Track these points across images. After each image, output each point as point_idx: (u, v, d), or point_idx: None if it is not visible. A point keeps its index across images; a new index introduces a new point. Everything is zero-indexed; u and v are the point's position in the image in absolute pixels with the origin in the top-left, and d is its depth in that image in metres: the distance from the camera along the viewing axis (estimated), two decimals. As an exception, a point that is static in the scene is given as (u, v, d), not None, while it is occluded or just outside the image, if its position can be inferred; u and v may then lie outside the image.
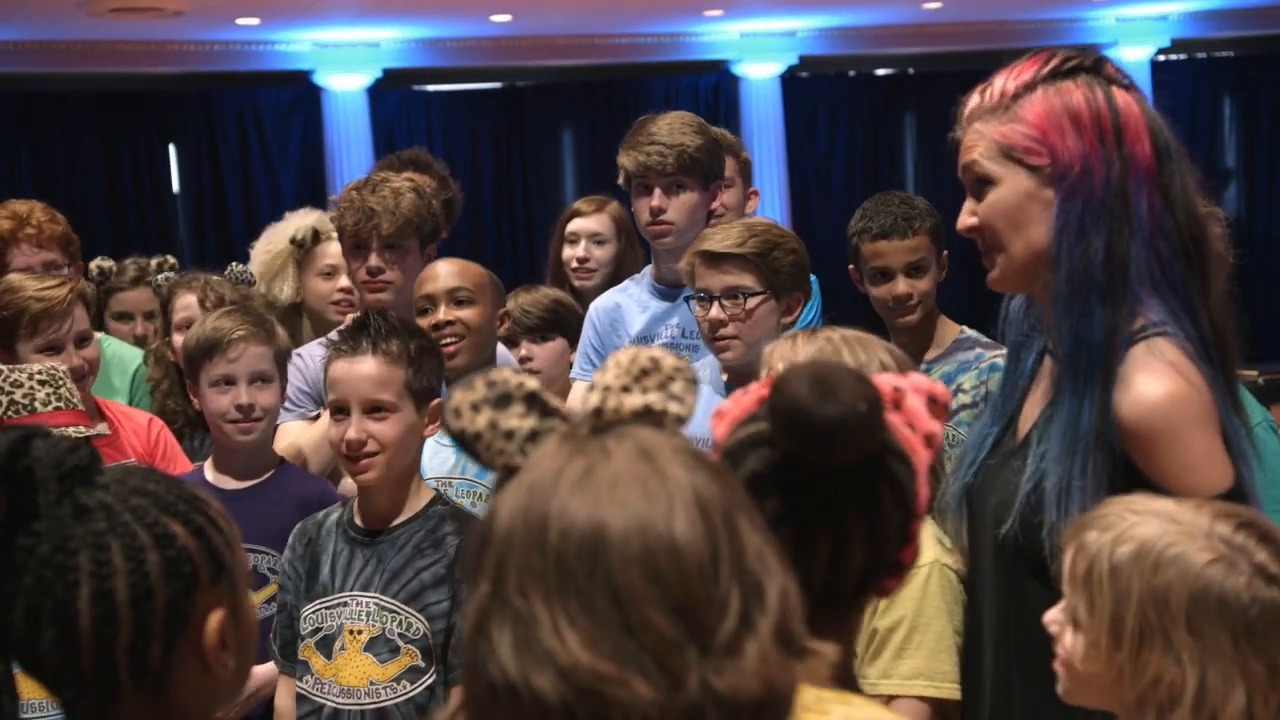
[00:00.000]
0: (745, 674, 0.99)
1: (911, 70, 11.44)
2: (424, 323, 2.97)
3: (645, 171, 3.20)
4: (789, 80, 10.98)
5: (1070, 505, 1.69)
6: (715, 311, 2.76)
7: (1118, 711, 1.49)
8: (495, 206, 10.75)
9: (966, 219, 1.87)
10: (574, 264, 3.96)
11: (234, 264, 3.86)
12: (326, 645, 2.48)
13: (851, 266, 3.23)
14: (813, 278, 3.45)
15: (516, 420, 1.09)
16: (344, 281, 3.54)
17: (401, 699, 2.41)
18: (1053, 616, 1.53)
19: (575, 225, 4.00)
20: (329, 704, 2.45)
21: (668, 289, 3.29)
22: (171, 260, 4.11)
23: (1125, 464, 1.72)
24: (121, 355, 3.75)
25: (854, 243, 3.20)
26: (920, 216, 3.13)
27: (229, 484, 2.89)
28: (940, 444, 1.32)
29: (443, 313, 3.00)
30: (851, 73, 11.38)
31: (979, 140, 1.83)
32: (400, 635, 2.42)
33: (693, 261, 2.81)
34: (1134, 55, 10.90)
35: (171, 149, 10.23)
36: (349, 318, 3.54)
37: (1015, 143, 1.80)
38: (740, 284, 2.76)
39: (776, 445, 1.26)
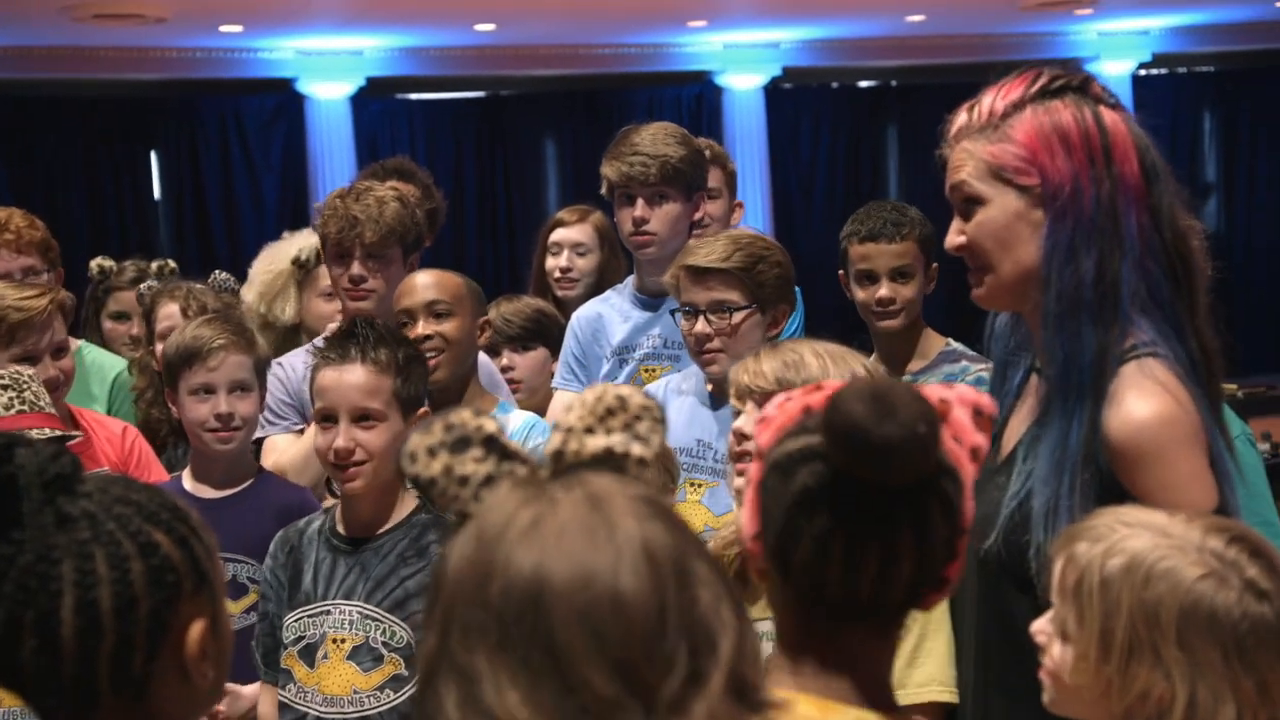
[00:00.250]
0: None
1: (894, 82, 11.47)
2: None
3: (628, 182, 3.20)
4: (772, 91, 11.00)
5: (1057, 524, 1.69)
6: (701, 326, 2.77)
7: None
8: (478, 215, 10.74)
9: (955, 238, 1.87)
10: (557, 274, 3.96)
11: (217, 272, 3.87)
12: (309, 654, 2.47)
13: (841, 272, 3.24)
14: (796, 289, 3.46)
15: (472, 465, 1.08)
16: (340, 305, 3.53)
17: (385, 708, 2.41)
18: (1040, 627, 1.53)
19: (558, 235, 4.00)
20: (312, 712, 2.45)
21: (650, 299, 3.30)
22: (172, 264, 4.13)
23: (1112, 483, 1.72)
24: (101, 363, 3.73)
25: (843, 246, 3.21)
26: (910, 224, 3.15)
27: (207, 493, 2.88)
28: (985, 457, 1.31)
29: (421, 327, 2.99)
30: (834, 84, 11.41)
31: (967, 160, 1.83)
32: (384, 644, 2.42)
33: (678, 275, 2.81)
34: (1115, 69, 10.96)
35: (153, 155, 10.19)
36: (330, 327, 3.54)
37: (1005, 163, 1.80)
38: (726, 299, 2.77)
39: (830, 461, 1.25)
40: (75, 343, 3.67)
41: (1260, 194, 11.77)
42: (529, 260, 4.25)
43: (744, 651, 1.02)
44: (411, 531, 2.49)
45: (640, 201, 3.19)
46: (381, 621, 2.43)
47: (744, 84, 10.90)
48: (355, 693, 2.42)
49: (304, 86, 10.15)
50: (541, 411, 3.27)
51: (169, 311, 3.53)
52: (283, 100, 10.27)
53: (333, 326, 3.54)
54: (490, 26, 9.62)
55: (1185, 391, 1.73)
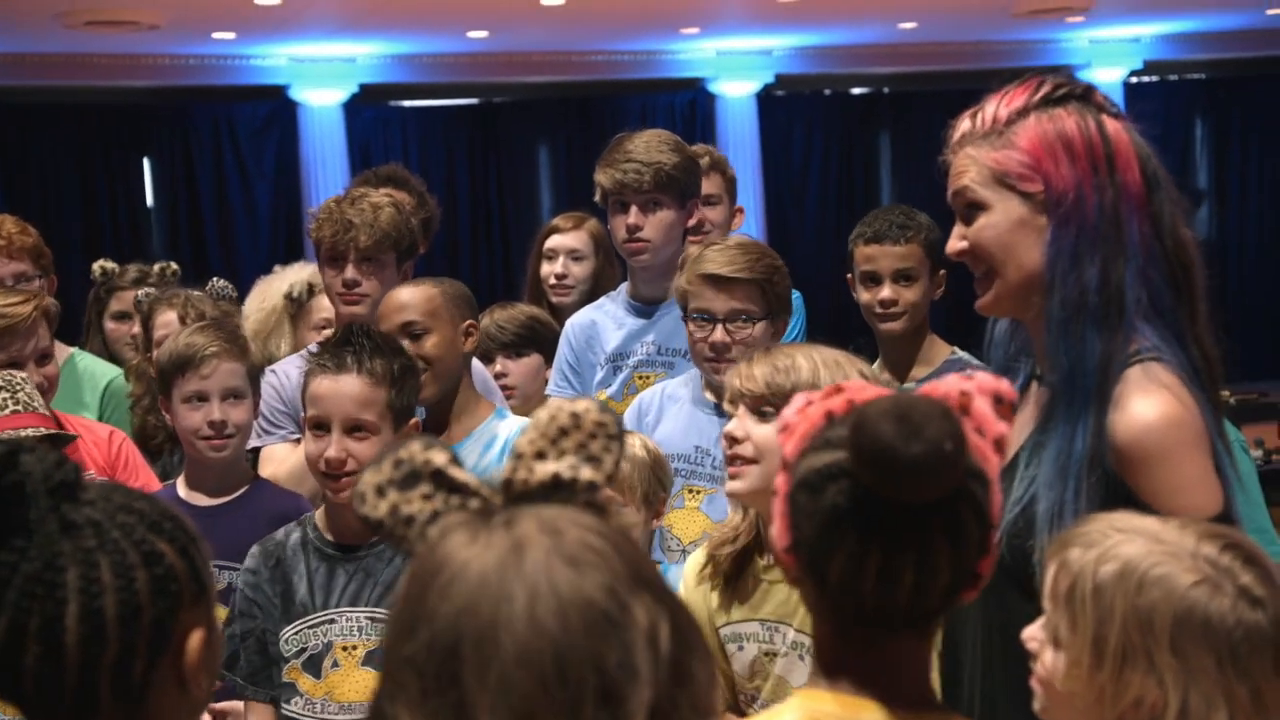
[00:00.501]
0: None
1: (887, 89, 11.50)
2: None
3: (621, 189, 3.20)
4: (765, 98, 11.03)
5: (1062, 529, 1.69)
6: (719, 334, 2.77)
7: None
8: (471, 222, 10.75)
9: (956, 244, 1.88)
10: (552, 280, 3.95)
11: (215, 279, 3.86)
12: (314, 664, 2.46)
13: (849, 275, 3.24)
14: (797, 295, 3.46)
15: (418, 503, 1.07)
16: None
17: None
18: (1031, 633, 1.53)
19: (554, 242, 4.00)
20: None
21: (644, 306, 3.30)
22: (174, 266, 4.12)
23: (1118, 486, 1.73)
24: (93, 371, 3.73)
25: (850, 248, 3.21)
26: (917, 228, 3.14)
27: (202, 500, 2.88)
28: (1007, 446, 1.31)
29: None
30: (827, 91, 11.44)
31: (970, 166, 1.83)
32: None
33: (692, 281, 2.80)
34: (1107, 77, 10.99)
35: (146, 162, 10.19)
36: (324, 332, 3.53)
37: (1008, 169, 1.80)
38: (746, 308, 2.77)
39: (858, 479, 1.25)
40: (67, 350, 3.67)
41: (1251, 200, 11.82)
42: (522, 266, 4.24)
43: (675, 698, 1.00)
44: (412, 533, 2.48)
45: (634, 208, 3.19)
46: None
47: (737, 91, 10.92)
48: None
49: (297, 93, 10.16)
50: (536, 418, 3.26)
51: (166, 319, 3.53)
52: (275, 107, 10.27)
53: (327, 332, 3.54)
54: (483, 33, 9.63)
55: (1189, 395, 1.74)
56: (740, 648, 2.19)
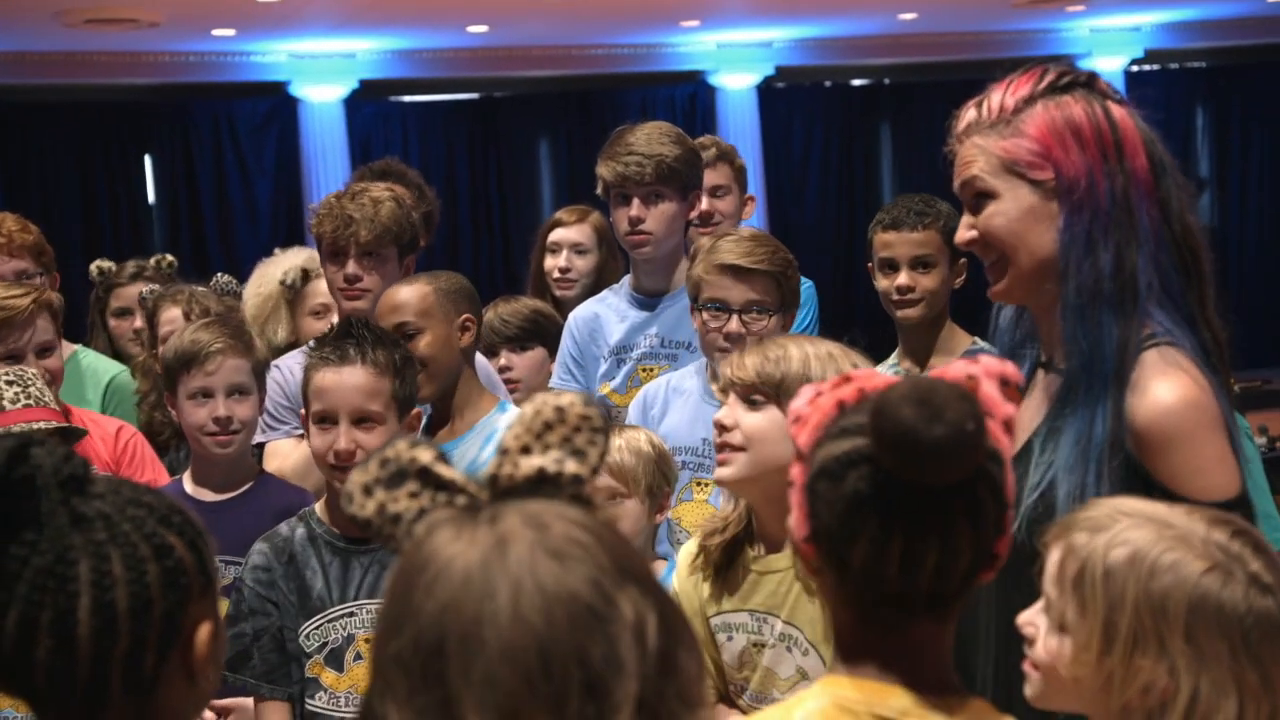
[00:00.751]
0: None
1: (887, 81, 11.48)
2: None
3: (623, 182, 3.20)
4: (765, 91, 11.02)
5: None
6: (734, 325, 2.76)
7: (1092, 716, 1.49)
8: (472, 217, 10.74)
9: (965, 233, 1.89)
10: (555, 274, 3.96)
11: (219, 275, 3.87)
12: (336, 658, 2.46)
13: (870, 263, 3.24)
14: (810, 284, 3.46)
15: (405, 501, 1.07)
16: (336, 319, 3.54)
17: None
18: (1029, 619, 1.53)
19: (557, 235, 4.00)
20: (350, 715, 2.43)
21: (647, 299, 3.30)
22: (170, 258, 4.13)
23: (1137, 469, 1.73)
24: (96, 368, 3.73)
25: (869, 236, 3.21)
26: (935, 215, 3.13)
27: (208, 496, 2.88)
28: (1015, 427, 1.33)
29: None
30: (827, 83, 11.42)
31: (979, 154, 1.84)
32: None
33: (709, 271, 2.80)
34: (1108, 66, 10.98)
35: (147, 159, 10.19)
36: (320, 318, 3.53)
37: (1018, 157, 1.81)
38: (763, 300, 2.77)
39: (880, 464, 1.26)
40: (71, 347, 3.67)
41: (1253, 189, 11.81)
42: (523, 261, 4.25)
43: (661, 690, 1.00)
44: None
45: (635, 201, 3.19)
46: None
47: (737, 83, 10.91)
48: None
49: (297, 89, 10.15)
50: (540, 412, 3.26)
51: (171, 315, 3.54)
52: (276, 103, 10.27)
53: (322, 324, 3.55)
54: (483, 28, 9.62)
55: (1205, 378, 1.76)
56: (730, 638, 2.20)
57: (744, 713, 2.16)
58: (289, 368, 3.23)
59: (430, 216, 3.78)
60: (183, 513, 1.30)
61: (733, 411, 2.11)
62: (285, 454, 3.16)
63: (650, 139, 3.22)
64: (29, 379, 2.80)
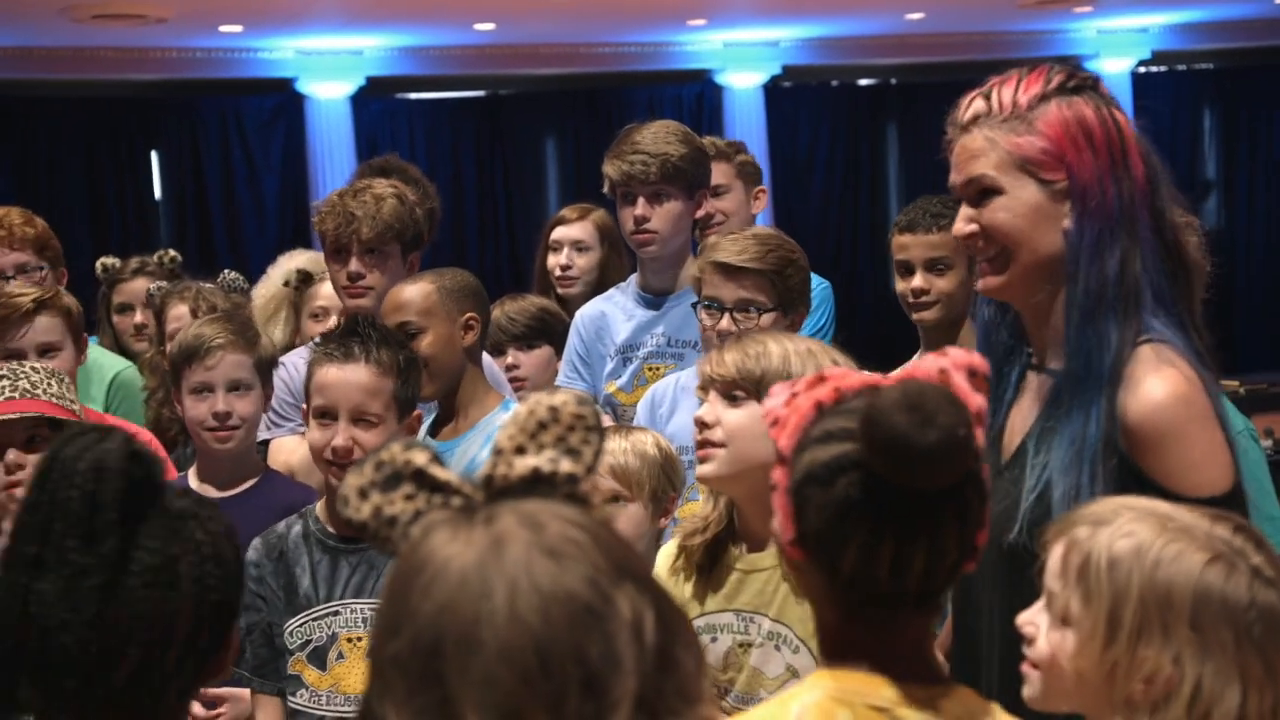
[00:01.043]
0: None
1: (894, 80, 11.47)
2: None
3: (629, 180, 3.20)
4: (772, 90, 11.01)
5: None
6: (726, 323, 2.76)
7: (1092, 714, 1.49)
8: (478, 214, 10.74)
9: (964, 226, 1.88)
10: (557, 272, 3.96)
11: (226, 271, 3.88)
12: (319, 657, 2.46)
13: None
14: (827, 284, 3.45)
15: (400, 504, 1.08)
16: (334, 321, 3.54)
17: None
18: (1028, 618, 1.53)
19: (559, 233, 4.00)
20: (330, 714, 2.43)
21: (653, 297, 3.30)
22: (173, 254, 4.14)
23: (1132, 469, 1.74)
24: (101, 364, 3.73)
25: (888, 239, 3.20)
26: (953, 217, 3.10)
27: (212, 493, 2.88)
28: (985, 418, 1.33)
29: None
30: (834, 83, 11.41)
31: (989, 149, 1.83)
32: None
33: (704, 269, 2.80)
34: (1115, 67, 10.96)
35: (154, 155, 10.20)
36: (319, 321, 3.52)
37: (1030, 155, 1.80)
38: (754, 298, 2.76)
39: (869, 469, 1.27)
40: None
41: (1260, 190, 11.78)
42: (530, 259, 4.24)
43: (660, 687, 1.00)
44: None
45: (641, 200, 3.19)
46: None
47: (744, 82, 10.90)
48: None
49: (304, 86, 10.16)
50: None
51: (179, 312, 3.55)
52: (283, 100, 10.27)
53: (331, 322, 3.55)
54: (490, 26, 9.62)
55: (1197, 374, 1.76)
56: (714, 639, 2.18)
57: (728, 714, 2.15)
58: (294, 365, 3.23)
59: (433, 213, 3.78)
60: (217, 508, 1.35)
61: (713, 408, 2.11)
62: (291, 451, 3.16)
63: (657, 138, 3.22)
64: (23, 374, 2.76)
